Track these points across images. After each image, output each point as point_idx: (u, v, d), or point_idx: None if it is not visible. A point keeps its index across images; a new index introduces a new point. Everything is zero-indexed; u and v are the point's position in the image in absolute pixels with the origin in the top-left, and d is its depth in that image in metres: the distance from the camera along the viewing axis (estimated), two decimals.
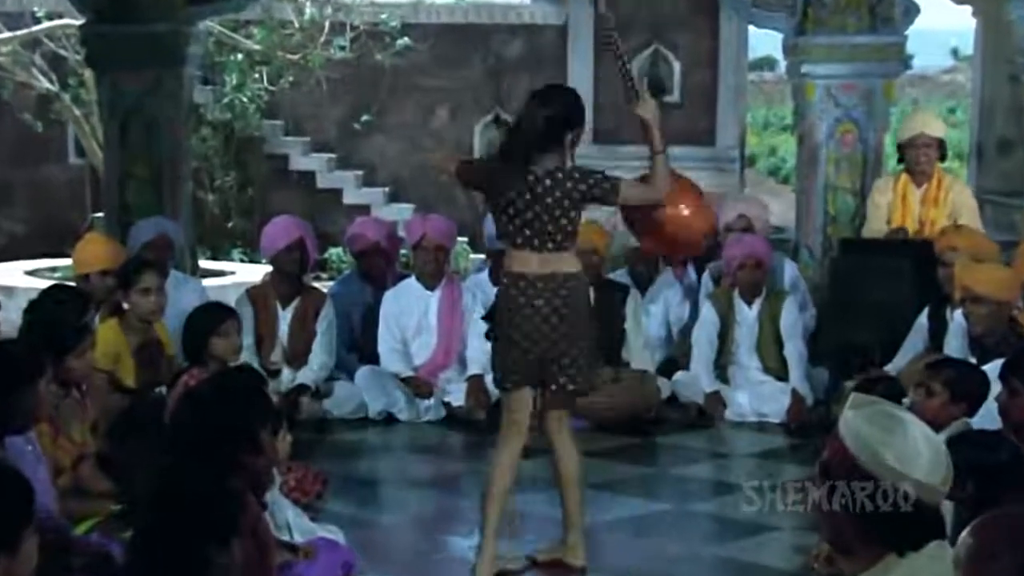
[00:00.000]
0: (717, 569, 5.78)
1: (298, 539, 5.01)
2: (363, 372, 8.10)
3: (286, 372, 7.97)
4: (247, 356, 7.49)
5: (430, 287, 8.11)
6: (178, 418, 4.30)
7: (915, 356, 7.23)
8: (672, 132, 13.18)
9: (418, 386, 8.03)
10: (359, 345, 8.36)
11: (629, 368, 7.96)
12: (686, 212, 5.54)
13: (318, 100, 14.49)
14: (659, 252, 7.55)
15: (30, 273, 12.09)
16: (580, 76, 13.35)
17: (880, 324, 7.59)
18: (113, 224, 9.15)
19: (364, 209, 13.81)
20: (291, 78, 14.16)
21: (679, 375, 8.19)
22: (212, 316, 6.17)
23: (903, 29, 9.19)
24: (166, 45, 9.06)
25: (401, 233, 9.15)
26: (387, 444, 7.72)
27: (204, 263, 11.65)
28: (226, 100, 14.23)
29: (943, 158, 8.32)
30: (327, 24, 13.95)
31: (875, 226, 8.33)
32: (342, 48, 14.00)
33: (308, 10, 14.02)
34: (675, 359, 8.45)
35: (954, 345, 6.92)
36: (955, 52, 33.18)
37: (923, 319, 7.36)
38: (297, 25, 14.03)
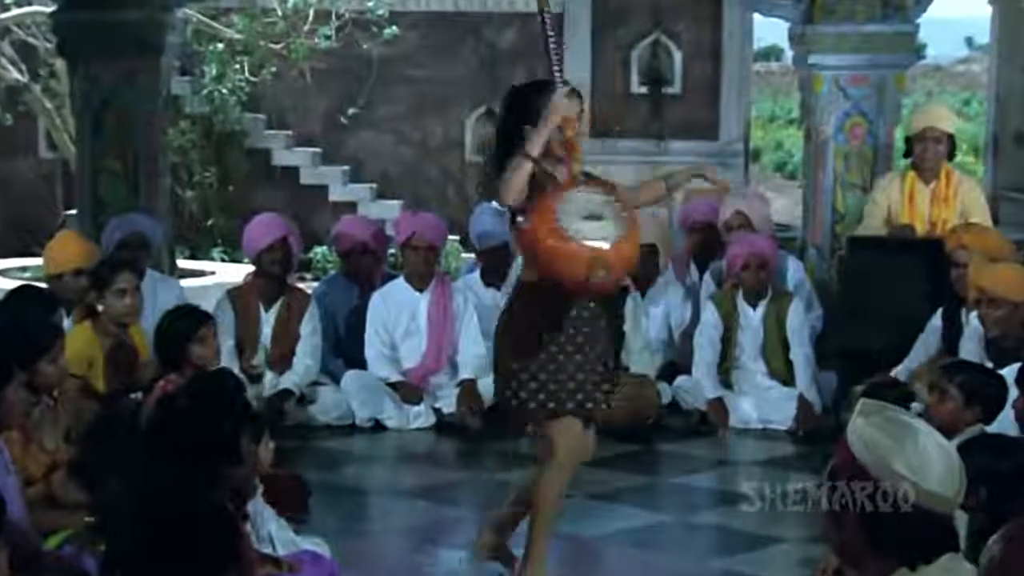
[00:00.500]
0: None
1: (281, 552, 5.00)
2: (349, 377, 8.10)
3: (269, 377, 7.97)
4: (227, 360, 7.48)
5: (419, 288, 8.11)
6: (154, 426, 4.30)
7: (927, 359, 7.23)
8: (673, 125, 13.34)
9: (407, 392, 8.03)
10: (345, 349, 8.35)
11: (628, 372, 7.96)
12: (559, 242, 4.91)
13: (302, 92, 14.50)
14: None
15: None
16: (577, 68, 13.33)
17: (891, 326, 7.59)
18: (86, 221, 9.15)
19: (350, 206, 13.81)
20: (274, 69, 14.16)
21: (680, 380, 8.20)
22: (187, 321, 6.15)
23: (915, 17, 9.19)
24: (142, 34, 9.05)
25: (389, 232, 9.15)
26: (374, 452, 7.71)
27: (182, 263, 11.64)
28: (205, 92, 14.23)
29: (952, 156, 8.31)
30: (311, 12, 13.96)
31: (869, 224, 8.32)
32: (327, 37, 14.01)
33: None
34: (676, 363, 8.45)
35: (969, 349, 6.92)
36: (970, 41, 33.24)
37: (936, 321, 7.36)
38: (280, 13, 14.04)
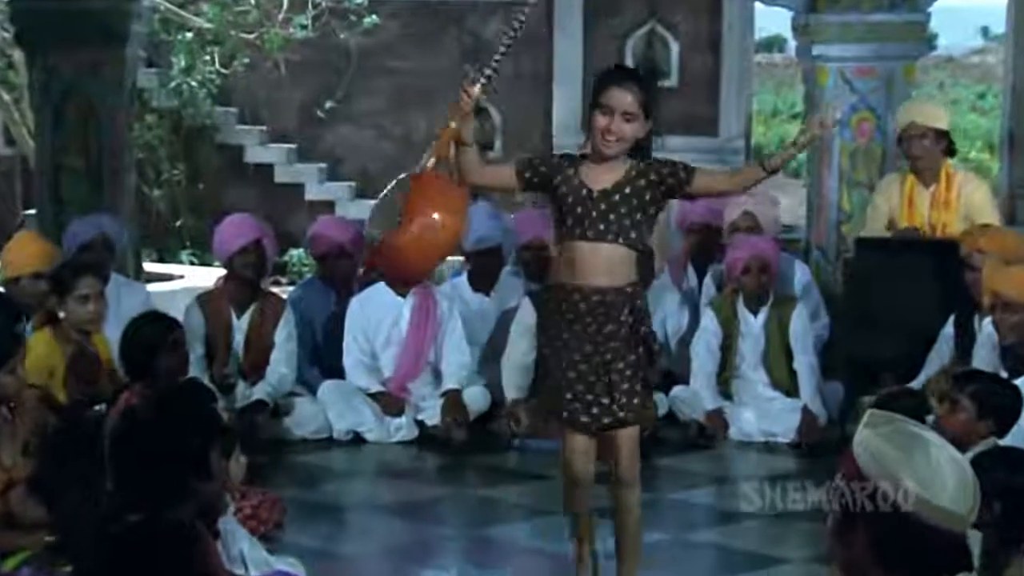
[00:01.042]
0: None
1: (253, 573, 5.00)
2: (327, 387, 8.09)
3: (241, 387, 7.96)
4: (197, 370, 7.48)
5: (401, 293, 8.11)
6: (119, 439, 4.29)
7: (940, 369, 7.24)
8: (670, 121, 13.33)
9: (388, 402, 8.02)
10: (322, 357, 8.35)
11: None
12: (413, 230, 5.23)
13: (276, 84, 14.48)
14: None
15: None
16: (567, 57, 13.37)
17: (901, 333, 7.61)
18: (46, 222, 9.14)
19: (328, 206, 13.80)
20: (246, 60, 14.14)
21: (677, 390, 8.20)
22: (154, 329, 6.14)
23: (926, 6, 9.22)
24: (106, 23, 9.04)
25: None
26: (353, 467, 7.71)
27: (149, 266, 11.64)
28: (173, 84, 14.21)
29: (950, 153, 8.25)
30: (286, 0, 13.95)
31: (870, 228, 8.31)
32: (303, 27, 13.99)
33: None
34: (673, 373, 8.46)
35: (983, 356, 6.94)
36: (985, 31, 33.33)
37: (949, 328, 7.38)
38: (252, 1, 14.02)
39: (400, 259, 5.39)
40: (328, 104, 14.50)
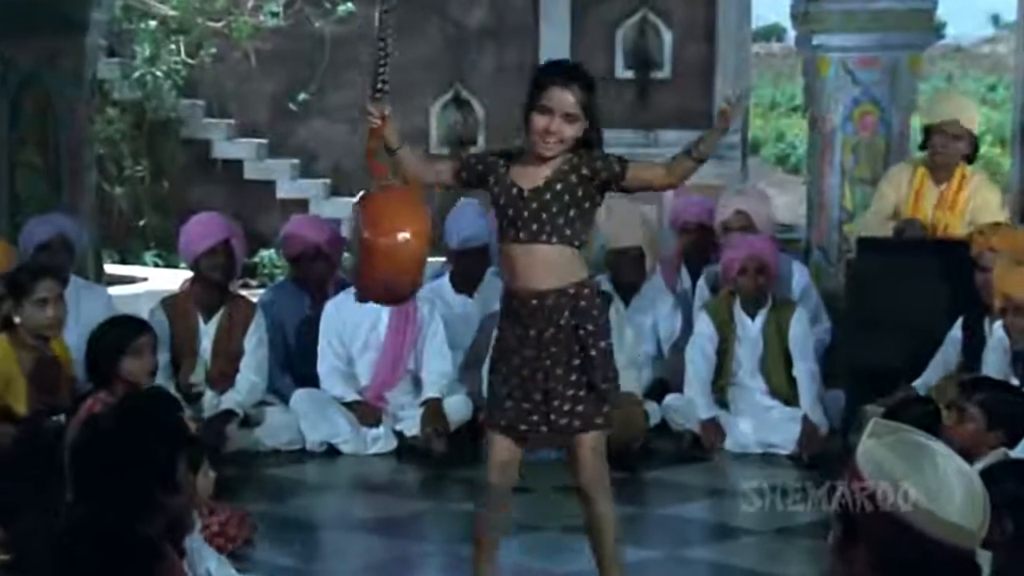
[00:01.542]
0: None
1: None
2: (299, 396, 8.09)
3: (208, 396, 7.95)
4: (162, 378, 7.46)
5: None
6: (80, 451, 4.29)
7: (947, 375, 7.26)
8: (662, 113, 13.37)
9: (364, 412, 8.02)
10: (295, 364, 8.34)
11: None
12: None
13: (245, 76, 14.48)
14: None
15: None
16: (554, 48, 13.35)
17: (906, 338, 7.62)
18: (2, 221, 9.12)
19: (301, 204, 13.80)
20: (213, 50, 14.14)
21: (670, 399, 8.21)
22: (121, 332, 6.14)
23: None
24: (63, 10, 9.03)
25: (345, 233, 9.14)
26: (328, 481, 7.70)
27: (111, 268, 11.62)
28: (136, 75, 14.20)
29: (972, 159, 8.25)
30: None
31: (874, 219, 8.32)
32: (273, 14, 14.00)
33: None
34: (666, 380, 8.47)
35: (992, 362, 6.95)
36: (995, 19, 33.37)
37: (956, 332, 7.39)
38: None
39: (383, 283, 5.48)
40: (301, 96, 14.50)
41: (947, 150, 8.07)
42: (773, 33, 29.48)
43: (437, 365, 8.12)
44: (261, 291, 10.35)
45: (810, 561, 6.00)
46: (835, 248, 9.20)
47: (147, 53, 14.20)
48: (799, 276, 8.75)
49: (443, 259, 8.82)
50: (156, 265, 13.73)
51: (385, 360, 8.13)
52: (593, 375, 5.16)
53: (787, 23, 10.80)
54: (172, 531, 4.07)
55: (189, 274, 8.34)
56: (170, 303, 8.12)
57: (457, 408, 8.07)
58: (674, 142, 12.69)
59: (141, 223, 14.37)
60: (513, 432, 5.23)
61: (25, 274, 6.91)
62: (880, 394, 7.22)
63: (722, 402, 8.15)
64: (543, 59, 13.76)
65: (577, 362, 5.15)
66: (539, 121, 5.08)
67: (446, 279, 8.64)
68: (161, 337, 7.72)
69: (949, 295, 7.63)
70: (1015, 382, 6.24)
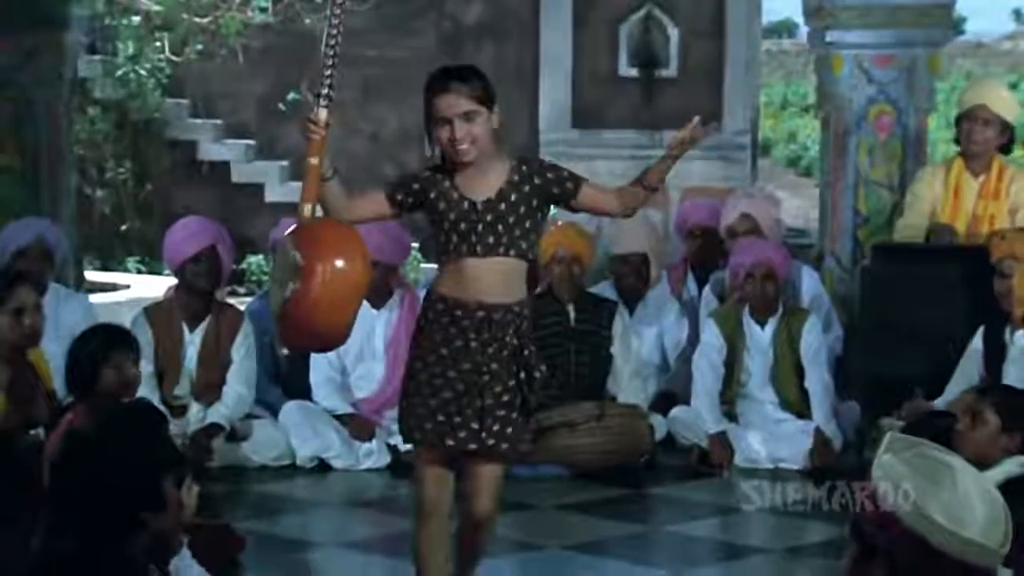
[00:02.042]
0: None
1: None
2: (289, 409, 8.08)
3: (194, 409, 7.96)
4: (146, 390, 7.45)
5: (376, 304, 8.11)
6: (59, 467, 4.28)
7: (968, 388, 7.25)
8: (668, 114, 13.36)
9: (357, 426, 8.02)
10: (285, 375, 8.34)
11: (616, 403, 7.97)
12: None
13: (233, 74, 14.48)
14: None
15: None
16: (555, 46, 13.39)
17: (923, 348, 7.62)
18: None
19: (290, 208, 13.74)
20: (199, 47, 14.13)
21: (676, 412, 8.21)
22: (101, 342, 6.14)
23: None
24: (42, 5, 9.03)
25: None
26: (319, 497, 7.70)
27: (91, 275, 11.61)
28: (119, 74, 14.20)
29: (1008, 149, 8.27)
30: None
31: (911, 223, 8.31)
32: (263, 10, 13.99)
33: None
34: (672, 392, 8.47)
35: (1014, 373, 6.96)
36: (1017, 14, 33.44)
37: (977, 342, 7.39)
38: None
39: (313, 321, 4.99)
40: (291, 96, 14.49)
41: (977, 137, 8.06)
42: (784, 29, 29.55)
43: None
44: (249, 299, 10.34)
45: None
46: (849, 254, 9.19)
47: (130, 50, 14.20)
48: (808, 282, 8.73)
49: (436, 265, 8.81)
50: (139, 272, 13.72)
51: (389, 378, 8.11)
52: (529, 399, 5.15)
53: (799, 18, 10.79)
54: (157, 551, 4.06)
55: (174, 281, 8.34)
56: (154, 312, 8.11)
57: None
58: None
59: (123, 228, 14.37)
60: (439, 447, 5.15)
61: (1, 282, 6.91)
62: (897, 406, 7.22)
63: (731, 415, 8.15)
64: (544, 57, 13.82)
65: (513, 383, 5.12)
66: (442, 134, 5.07)
67: None
68: (144, 347, 7.70)
69: (968, 303, 7.64)
70: None
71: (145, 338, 7.83)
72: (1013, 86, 26.09)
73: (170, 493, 4.14)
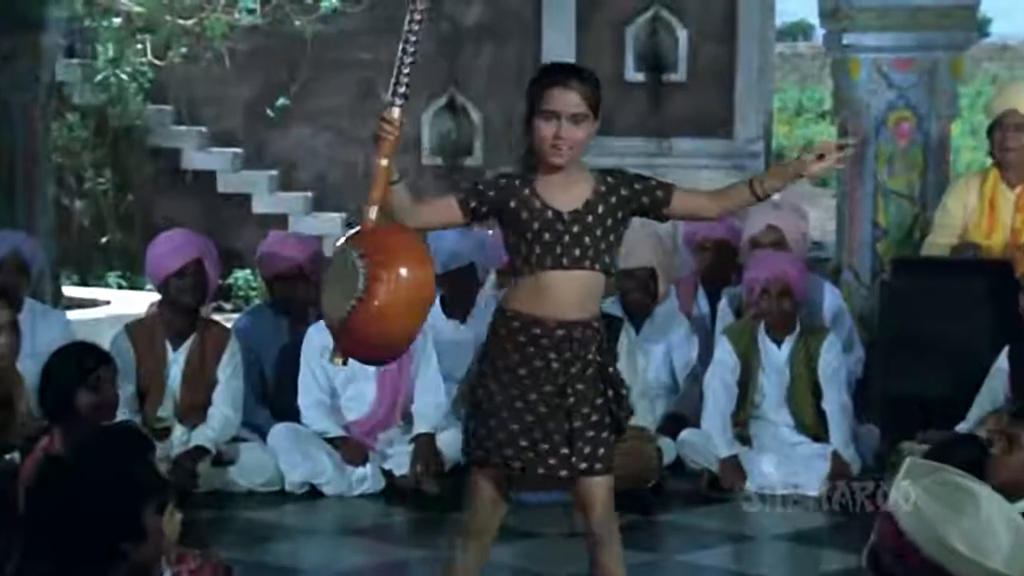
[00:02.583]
0: None
1: None
2: (278, 431, 8.09)
3: (178, 431, 7.96)
4: (126, 411, 7.46)
5: None
6: (35, 493, 4.28)
7: (993, 409, 7.25)
8: (677, 120, 13.38)
9: (349, 450, 8.02)
10: (273, 396, 8.35)
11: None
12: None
13: (219, 79, 14.48)
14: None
15: None
16: (558, 47, 13.37)
17: (946, 367, 7.63)
18: None
19: (280, 220, 13.81)
20: (183, 50, 14.14)
21: (686, 434, 8.21)
22: (76, 362, 6.13)
23: None
24: (18, 6, 9.05)
25: (329, 253, 9.14)
26: (310, 524, 7.70)
27: (70, 290, 11.61)
28: (99, 78, 14.21)
29: None
30: None
31: (941, 240, 8.31)
32: (250, 11, 14.00)
33: None
34: (681, 414, 8.47)
35: None
36: None
37: (1002, 361, 7.39)
38: None
39: (380, 332, 5.00)
40: (280, 102, 14.50)
41: (1012, 144, 8.05)
42: (799, 31, 29.56)
43: (429, 397, 8.13)
44: (236, 316, 10.35)
45: None
46: (867, 268, 9.19)
47: (111, 53, 14.21)
48: (830, 299, 8.72)
49: None
50: (120, 287, 13.72)
51: (381, 399, 8.12)
52: (620, 417, 5.18)
53: (815, 20, 10.82)
54: None
55: (157, 297, 8.35)
56: (135, 329, 8.11)
57: (451, 444, 8.05)
58: (690, 152, 12.76)
59: (103, 240, 14.37)
60: (512, 474, 5.19)
61: None
62: (923, 428, 7.23)
63: (744, 438, 8.14)
64: (545, 59, 13.80)
65: (601, 402, 5.15)
66: (546, 129, 5.07)
67: (436, 303, 8.63)
68: (125, 367, 7.73)
69: (993, 319, 7.64)
70: None
71: (127, 357, 7.85)
72: None
73: (151, 521, 4.14)
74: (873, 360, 8.47)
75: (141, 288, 12.70)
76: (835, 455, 7.94)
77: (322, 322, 8.13)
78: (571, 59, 13.33)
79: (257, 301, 11.93)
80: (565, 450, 5.11)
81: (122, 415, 7.05)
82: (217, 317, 9.30)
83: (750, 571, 6.98)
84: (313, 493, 7.98)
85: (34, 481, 4.46)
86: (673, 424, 8.37)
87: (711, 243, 8.84)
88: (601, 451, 5.15)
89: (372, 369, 8.11)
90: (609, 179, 5.16)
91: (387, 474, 8.06)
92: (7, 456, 6.45)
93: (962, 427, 7.32)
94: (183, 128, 14.65)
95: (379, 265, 4.86)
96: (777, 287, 8.00)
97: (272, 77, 14.53)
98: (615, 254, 5.24)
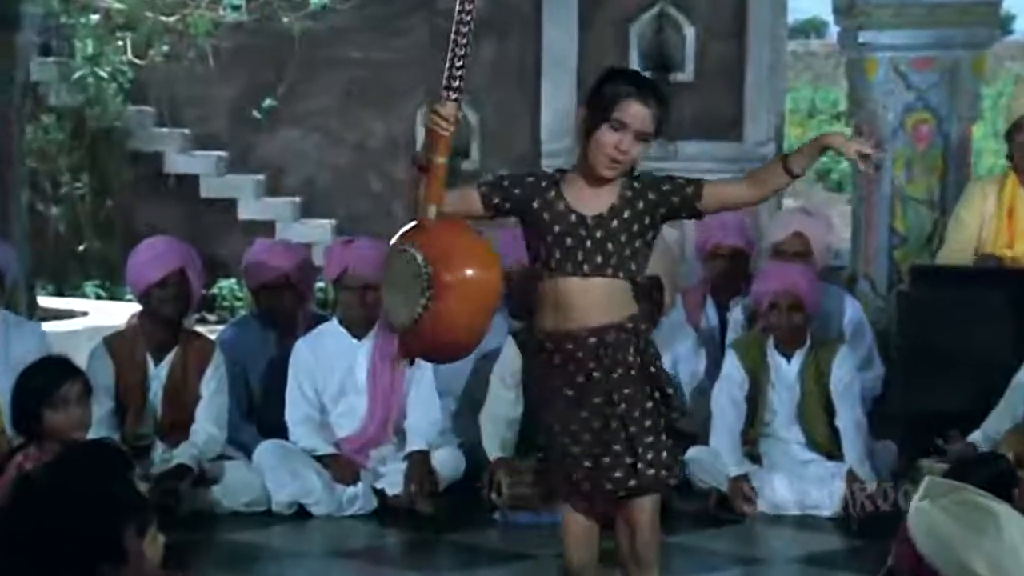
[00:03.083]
0: None
1: None
2: (265, 449, 8.09)
3: (159, 449, 7.96)
4: (105, 428, 7.47)
5: (357, 335, 8.12)
6: (10, 514, 4.29)
7: (1014, 425, 7.26)
8: (684, 122, 13.38)
9: (340, 468, 8.02)
10: (260, 412, 8.35)
11: None
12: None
13: (203, 79, 14.49)
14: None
15: None
16: (559, 45, 13.39)
17: (966, 380, 7.63)
18: None
19: (267, 227, 13.81)
20: (165, 48, 14.15)
21: (694, 452, 8.21)
22: (44, 379, 6.12)
23: None
24: None
25: (318, 261, 9.15)
26: (298, 546, 7.70)
27: (45, 300, 11.61)
28: (76, 77, 14.22)
29: None
30: None
31: (954, 250, 8.31)
32: (236, 8, 14.01)
33: None
34: (688, 431, 8.47)
35: None
36: None
37: (1022, 375, 7.40)
38: None
39: (450, 333, 5.06)
40: (266, 103, 14.52)
41: None
42: (812, 28, 29.53)
43: (424, 413, 8.12)
44: (220, 327, 10.35)
45: None
46: (884, 277, 9.20)
47: (88, 52, 14.22)
48: (850, 312, 8.69)
49: None
50: (98, 297, 13.73)
51: (372, 415, 8.12)
52: (672, 418, 5.20)
53: (829, 17, 10.82)
54: None
55: (137, 308, 8.35)
56: (115, 342, 8.12)
57: (447, 462, 8.07)
58: (697, 155, 12.74)
59: (81, 248, 14.37)
60: (597, 499, 5.23)
61: None
62: (937, 446, 7.23)
63: (753, 456, 8.15)
64: (546, 58, 13.83)
65: (650, 404, 5.18)
66: (610, 138, 5.08)
67: None
68: (104, 381, 7.75)
69: (1015, 330, 7.65)
70: None
71: (105, 371, 7.85)
72: None
73: (132, 543, 4.14)
74: (890, 374, 8.47)
75: (121, 299, 12.70)
76: (850, 473, 7.93)
77: (310, 334, 8.18)
78: (573, 57, 13.38)
79: (243, 312, 11.93)
80: (629, 459, 5.14)
81: (101, 432, 7.06)
82: (201, 329, 9.30)
83: None
84: (301, 514, 7.98)
85: (7, 501, 4.46)
86: (680, 441, 8.37)
87: (725, 250, 8.78)
88: (664, 455, 5.18)
89: (363, 383, 8.12)
90: (636, 184, 5.18)
91: (379, 493, 8.06)
92: None
93: (975, 437, 7.31)
94: (165, 130, 14.66)
95: (448, 269, 4.91)
96: (787, 300, 7.97)
97: (258, 77, 14.54)
98: (643, 261, 5.24)
